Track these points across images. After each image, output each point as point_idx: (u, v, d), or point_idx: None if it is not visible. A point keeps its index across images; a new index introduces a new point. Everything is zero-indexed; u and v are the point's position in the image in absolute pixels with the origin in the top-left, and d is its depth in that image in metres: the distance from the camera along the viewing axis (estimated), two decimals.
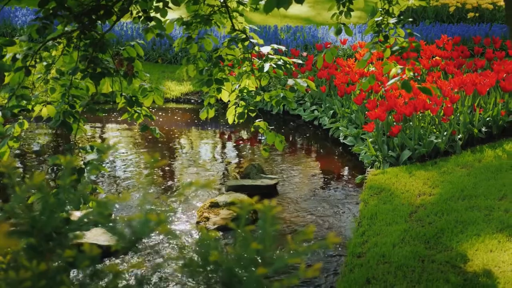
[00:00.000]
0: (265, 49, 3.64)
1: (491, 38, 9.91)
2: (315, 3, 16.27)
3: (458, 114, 6.33)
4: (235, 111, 3.89)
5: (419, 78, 8.05)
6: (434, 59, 8.16)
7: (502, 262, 3.62)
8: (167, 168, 6.42)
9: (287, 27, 12.62)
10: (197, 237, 4.36)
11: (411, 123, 6.15)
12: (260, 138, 7.60)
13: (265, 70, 3.57)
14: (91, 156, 2.93)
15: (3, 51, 2.75)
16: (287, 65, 3.60)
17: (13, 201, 1.15)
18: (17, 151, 6.79)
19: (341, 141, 7.01)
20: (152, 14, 3.20)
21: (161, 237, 4.17)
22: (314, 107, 8.36)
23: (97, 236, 4.05)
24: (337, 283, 3.65)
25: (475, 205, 4.53)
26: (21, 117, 3.31)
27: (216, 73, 3.78)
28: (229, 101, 3.98)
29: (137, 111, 3.51)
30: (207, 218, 4.80)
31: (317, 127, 8.03)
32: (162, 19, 3.24)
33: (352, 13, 3.75)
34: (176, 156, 7.06)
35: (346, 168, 6.62)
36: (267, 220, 1.07)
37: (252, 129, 3.91)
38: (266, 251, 1.05)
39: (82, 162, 2.93)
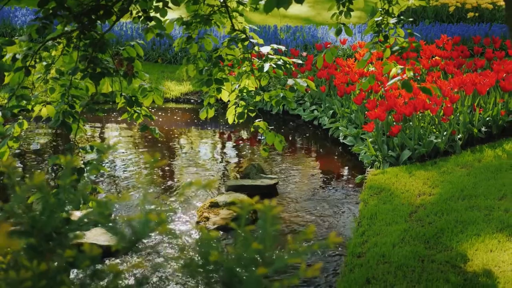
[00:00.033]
0: (265, 49, 3.64)
1: (490, 38, 9.92)
2: (315, 3, 16.27)
3: (458, 114, 6.34)
4: (235, 111, 3.89)
5: (418, 78, 8.05)
6: (433, 59, 8.17)
7: (502, 262, 3.62)
8: (166, 168, 6.42)
9: (286, 27, 12.62)
10: (197, 237, 4.36)
11: (411, 123, 6.16)
12: (260, 138, 7.60)
13: (265, 70, 3.57)
14: (91, 156, 2.94)
15: (3, 51, 2.75)
16: (287, 65, 3.60)
17: (13, 201, 1.15)
18: (17, 151, 6.78)
19: (341, 141, 7.01)
20: (152, 14, 3.20)
21: (161, 237, 4.17)
22: (313, 107, 8.36)
23: (97, 236, 4.05)
24: (337, 283, 3.65)
25: (475, 205, 4.53)
26: (20, 117, 3.31)
27: (216, 73, 3.78)
28: (228, 101, 3.98)
29: (137, 111, 3.51)
30: (207, 218, 4.80)
31: (317, 127, 8.03)
32: (162, 19, 3.24)
33: (352, 13, 3.75)
34: (176, 156, 7.06)
35: (346, 168, 6.62)
36: (268, 220, 1.07)
37: (252, 129, 3.91)
38: (266, 251, 1.05)
39: (82, 162, 2.93)
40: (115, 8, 2.90)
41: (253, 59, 3.78)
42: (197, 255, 1.08)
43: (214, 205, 4.95)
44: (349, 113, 7.34)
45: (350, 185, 5.81)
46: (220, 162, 6.94)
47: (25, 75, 2.89)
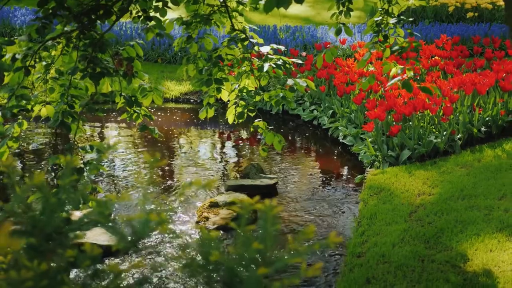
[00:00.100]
0: (265, 49, 3.64)
1: (490, 38, 9.92)
2: (315, 2, 16.27)
3: (458, 113, 6.34)
4: (235, 110, 3.89)
5: (418, 78, 8.05)
6: (433, 59, 8.17)
7: (502, 261, 3.62)
8: (166, 167, 6.41)
9: (286, 26, 12.62)
10: (197, 236, 4.36)
11: (410, 123, 6.15)
12: (260, 137, 7.60)
13: (264, 70, 3.57)
14: (91, 156, 2.93)
15: (3, 51, 2.75)
16: (287, 65, 3.60)
17: (13, 201, 1.15)
18: (17, 151, 6.78)
19: (341, 140, 7.01)
20: (152, 13, 3.20)
21: (162, 236, 4.17)
22: (313, 107, 8.36)
23: (97, 236, 4.04)
24: (337, 282, 3.65)
25: (474, 205, 4.53)
26: (20, 117, 3.31)
27: (215, 72, 3.78)
28: (228, 100, 3.97)
29: (136, 111, 3.51)
30: (207, 218, 4.80)
31: (317, 126, 8.03)
32: (162, 19, 3.24)
33: (351, 13, 3.75)
34: (175, 156, 7.06)
35: (346, 167, 6.63)
36: (268, 219, 1.07)
37: (252, 129, 3.91)
38: (267, 251, 1.05)
39: (82, 161, 2.93)
40: (115, 8, 2.90)
41: (253, 59, 3.78)
42: (198, 254, 1.08)
43: (214, 205, 4.95)
44: (348, 113, 7.34)
45: (350, 185, 5.81)
46: (220, 162, 6.94)
47: (24, 75, 2.89)
